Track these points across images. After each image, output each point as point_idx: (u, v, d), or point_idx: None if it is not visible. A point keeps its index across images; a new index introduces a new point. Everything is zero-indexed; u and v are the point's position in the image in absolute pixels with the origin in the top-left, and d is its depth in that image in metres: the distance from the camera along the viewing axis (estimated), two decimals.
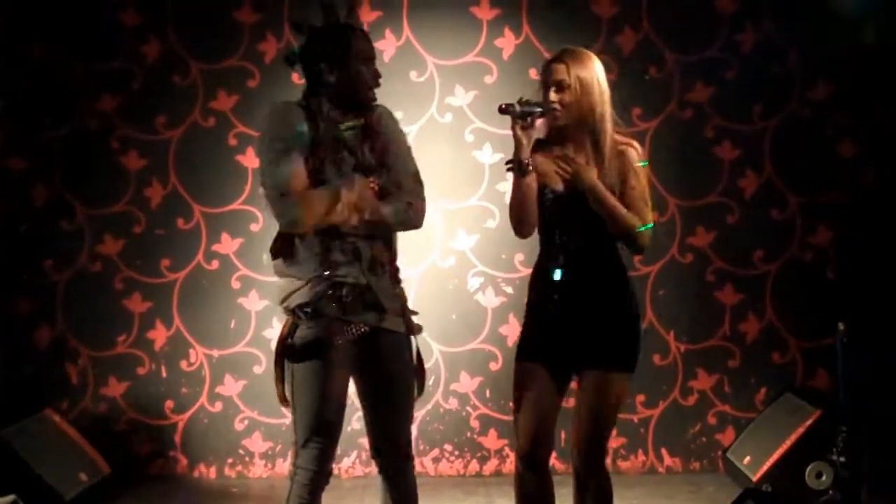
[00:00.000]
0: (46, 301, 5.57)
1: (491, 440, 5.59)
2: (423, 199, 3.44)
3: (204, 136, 5.58)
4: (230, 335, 5.59)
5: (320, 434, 3.32)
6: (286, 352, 3.31)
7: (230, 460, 5.60)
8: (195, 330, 5.59)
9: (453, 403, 5.60)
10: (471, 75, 5.59)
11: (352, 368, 3.39)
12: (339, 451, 5.48)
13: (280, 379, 3.35)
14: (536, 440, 3.44)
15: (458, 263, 5.61)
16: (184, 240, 5.59)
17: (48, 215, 5.56)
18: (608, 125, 3.38)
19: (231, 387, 5.57)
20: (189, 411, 5.59)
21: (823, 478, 4.84)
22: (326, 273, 3.27)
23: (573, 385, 3.53)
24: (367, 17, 5.50)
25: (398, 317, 3.42)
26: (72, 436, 5.28)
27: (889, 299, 5.47)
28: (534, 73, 5.45)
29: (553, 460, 3.71)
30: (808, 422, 4.96)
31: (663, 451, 5.61)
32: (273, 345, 3.45)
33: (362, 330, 3.32)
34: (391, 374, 3.41)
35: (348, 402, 3.42)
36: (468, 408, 5.60)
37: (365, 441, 3.80)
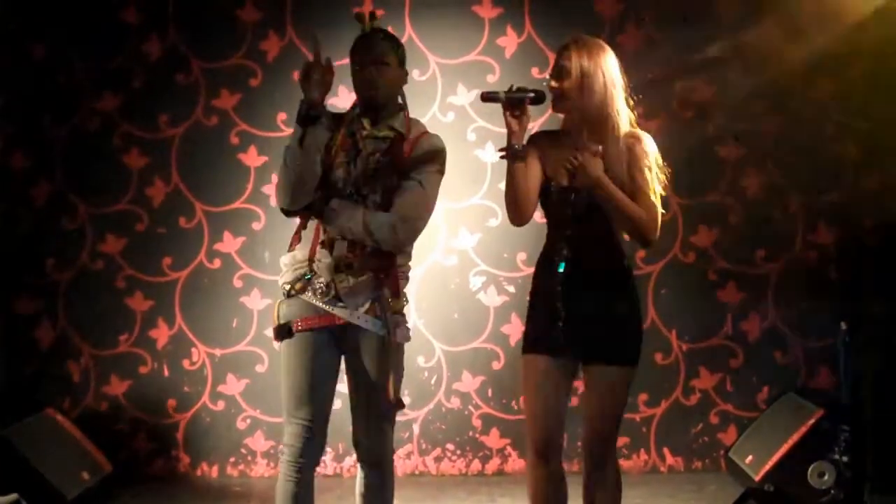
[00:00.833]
0: (48, 300, 5.57)
1: (493, 439, 5.59)
2: (411, 230, 3.41)
3: (206, 135, 5.58)
4: (232, 334, 5.59)
5: (301, 410, 3.40)
6: (273, 331, 3.47)
7: (232, 459, 5.60)
8: (197, 329, 5.59)
9: (455, 403, 5.60)
10: (473, 74, 5.59)
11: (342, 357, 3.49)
12: (340, 450, 5.55)
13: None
14: (550, 433, 3.42)
15: (461, 262, 5.61)
16: (186, 238, 5.59)
17: (50, 214, 5.57)
18: (616, 117, 3.35)
19: (233, 386, 5.57)
20: (191, 410, 5.59)
21: (826, 477, 4.84)
22: (304, 258, 3.40)
23: (576, 383, 3.52)
24: (370, 14, 5.49)
25: (376, 318, 3.40)
26: (74, 435, 5.27)
27: (891, 299, 5.46)
28: (536, 72, 5.47)
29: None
30: (811, 421, 4.95)
31: (665, 450, 5.61)
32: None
33: (334, 320, 3.38)
34: (362, 373, 3.44)
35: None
36: (470, 407, 5.60)
37: None
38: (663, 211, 3.40)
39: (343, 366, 3.51)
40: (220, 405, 5.60)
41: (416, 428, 5.58)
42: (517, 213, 3.38)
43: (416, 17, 5.58)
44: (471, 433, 5.61)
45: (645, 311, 5.54)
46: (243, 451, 5.60)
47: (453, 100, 5.60)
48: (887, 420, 5.15)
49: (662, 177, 3.39)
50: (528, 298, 3.52)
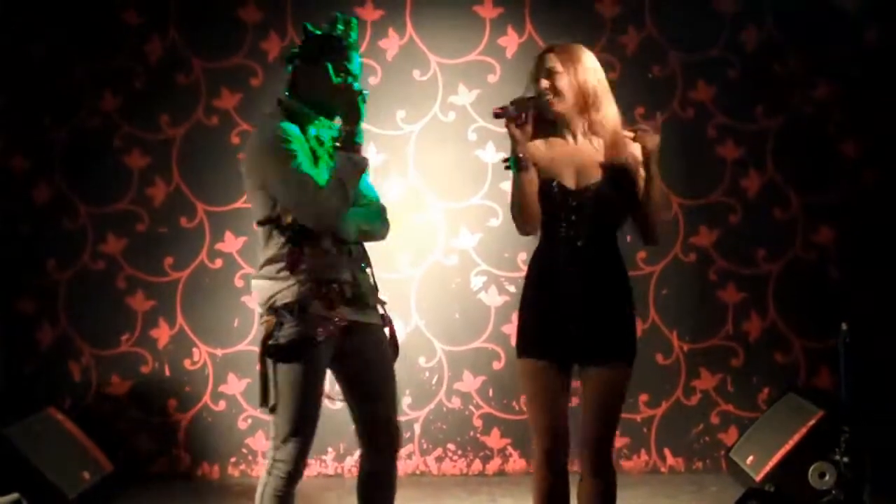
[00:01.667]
0: (49, 300, 5.57)
1: (494, 439, 5.59)
2: (309, 216, 3.34)
3: (207, 135, 5.58)
4: (233, 334, 5.59)
5: (302, 431, 3.36)
6: (271, 351, 3.32)
7: (233, 459, 5.60)
8: (198, 328, 5.60)
9: (456, 402, 5.60)
10: (474, 74, 5.59)
11: (330, 364, 3.44)
12: (340, 450, 5.55)
13: (265, 379, 3.34)
14: (558, 438, 3.40)
15: (461, 262, 5.61)
16: (187, 238, 5.59)
17: (51, 214, 5.57)
18: (607, 107, 3.39)
19: (234, 385, 5.58)
20: (192, 410, 5.60)
21: (826, 478, 4.84)
22: (310, 271, 3.31)
23: (575, 384, 3.52)
24: (371, 15, 5.51)
25: (374, 310, 3.47)
26: (75, 434, 5.27)
27: (892, 299, 5.47)
28: None
29: None
30: (811, 422, 4.96)
31: (666, 450, 5.61)
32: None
33: (342, 324, 3.36)
34: (374, 365, 3.45)
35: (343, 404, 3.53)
36: (471, 407, 5.60)
37: None
38: None
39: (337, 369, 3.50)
40: (222, 405, 5.60)
41: (417, 428, 5.58)
42: (527, 221, 3.39)
43: (417, 16, 5.58)
44: (472, 433, 5.61)
45: (646, 312, 5.55)
46: (244, 450, 5.60)
47: (454, 99, 5.60)
48: (888, 420, 5.15)
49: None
50: (523, 299, 3.53)
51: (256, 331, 5.53)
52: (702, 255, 5.62)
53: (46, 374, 5.56)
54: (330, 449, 5.51)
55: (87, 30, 5.55)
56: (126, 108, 5.58)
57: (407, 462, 5.54)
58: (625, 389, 3.44)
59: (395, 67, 5.56)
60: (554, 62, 3.37)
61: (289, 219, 3.33)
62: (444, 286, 5.60)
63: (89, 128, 5.57)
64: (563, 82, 3.35)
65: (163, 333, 5.60)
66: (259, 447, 5.57)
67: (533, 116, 3.35)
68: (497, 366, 5.57)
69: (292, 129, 3.33)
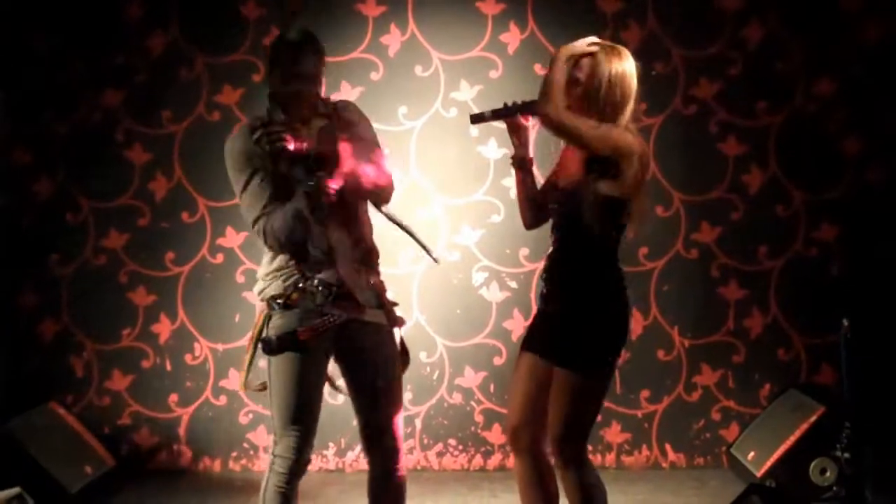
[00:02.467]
0: (51, 294, 5.58)
1: (495, 435, 5.60)
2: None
3: (209, 130, 5.58)
4: (235, 329, 5.59)
5: (297, 423, 3.39)
6: (262, 343, 3.40)
7: (234, 454, 5.61)
8: (200, 323, 5.60)
9: (457, 398, 5.60)
10: (476, 70, 5.59)
11: (335, 360, 3.48)
12: (343, 445, 5.55)
13: (248, 365, 3.48)
14: (520, 418, 3.52)
15: (463, 258, 5.61)
16: (188, 233, 5.60)
17: (53, 209, 5.57)
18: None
19: (236, 380, 5.58)
20: (193, 405, 5.60)
21: (827, 474, 4.84)
22: (298, 265, 3.39)
23: None
24: (373, 11, 5.50)
25: (376, 309, 3.47)
26: (76, 429, 5.29)
27: (893, 295, 5.47)
28: (539, 68, 5.46)
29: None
30: (813, 418, 4.96)
31: (667, 446, 5.61)
32: None
33: (336, 320, 3.37)
34: (372, 366, 3.46)
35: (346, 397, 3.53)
36: (472, 402, 5.61)
37: None
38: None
39: (336, 366, 3.52)
40: (223, 400, 5.60)
41: (418, 423, 5.59)
42: (526, 217, 3.62)
43: (420, 12, 5.57)
44: (473, 429, 5.61)
45: (647, 308, 5.56)
46: (245, 445, 5.61)
47: (456, 95, 5.60)
48: (889, 417, 5.16)
49: None
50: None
51: None
52: (703, 252, 5.62)
53: (48, 369, 5.57)
54: (331, 444, 5.52)
55: (89, 24, 5.55)
56: (128, 103, 5.58)
57: (408, 457, 5.54)
58: (577, 395, 3.41)
59: (397, 63, 5.56)
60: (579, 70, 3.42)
61: None
62: (446, 282, 5.60)
63: (91, 123, 5.57)
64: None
65: (164, 328, 5.60)
66: (260, 442, 5.58)
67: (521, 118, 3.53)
68: (498, 361, 5.57)
69: (238, 143, 3.41)
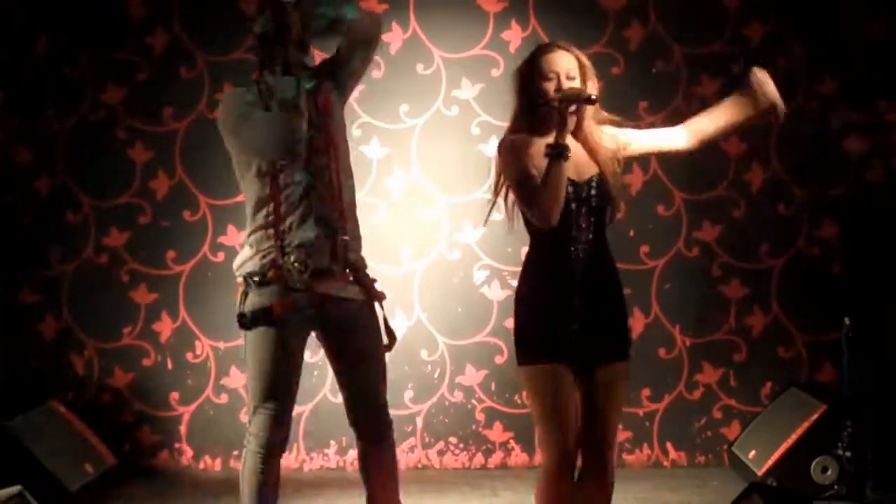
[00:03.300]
0: (52, 293, 5.58)
1: (496, 433, 5.59)
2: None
3: (210, 128, 5.51)
4: (235, 327, 5.53)
5: (269, 399, 3.39)
6: (237, 318, 3.40)
7: (235, 452, 5.60)
8: (201, 322, 5.60)
9: (458, 396, 5.60)
10: (477, 68, 5.59)
11: (317, 338, 3.47)
12: (344, 443, 5.55)
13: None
14: (576, 438, 3.31)
15: (464, 257, 5.61)
16: (190, 232, 5.59)
17: (54, 207, 5.57)
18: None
19: (237, 378, 5.58)
20: (195, 403, 5.60)
21: (829, 472, 4.84)
22: (274, 240, 3.35)
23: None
24: (375, 9, 5.49)
25: (353, 285, 3.43)
26: (77, 427, 5.28)
27: (894, 294, 5.46)
28: None
29: None
30: (814, 416, 4.95)
31: (668, 444, 5.61)
32: None
33: (312, 299, 3.35)
34: (353, 343, 3.44)
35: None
36: (473, 401, 5.60)
37: None
38: None
39: (319, 343, 3.51)
40: (224, 398, 5.60)
41: (419, 421, 5.58)
42: (555, 212, 3.27)
43: (421, 10, 5.57)
44: (474, 427, 5.61)
45: (648, 306, 5.55)
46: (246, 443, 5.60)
47: (457, 93, 5.59)
48: (890, 415, 5.15)
49: None
50: (521, 301, 3.51)
51: None
52: (705, 250, 5.61)
53: (49, 367, 5.57)
54: (332, 442, 5.51)
55: (90, 22, 5.55)
56: (129, 101, 5.58)
57: (409, 455, 5.54)
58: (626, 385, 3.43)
59: (399, 61, 5.55)
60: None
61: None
62: (447, 280, 5.60)
63: (92, 120, 5.57)
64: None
65: (165, 326, 5.60)
66: None
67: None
68: (499, 360, 5.57)
69: (228, 95, 3.74)
